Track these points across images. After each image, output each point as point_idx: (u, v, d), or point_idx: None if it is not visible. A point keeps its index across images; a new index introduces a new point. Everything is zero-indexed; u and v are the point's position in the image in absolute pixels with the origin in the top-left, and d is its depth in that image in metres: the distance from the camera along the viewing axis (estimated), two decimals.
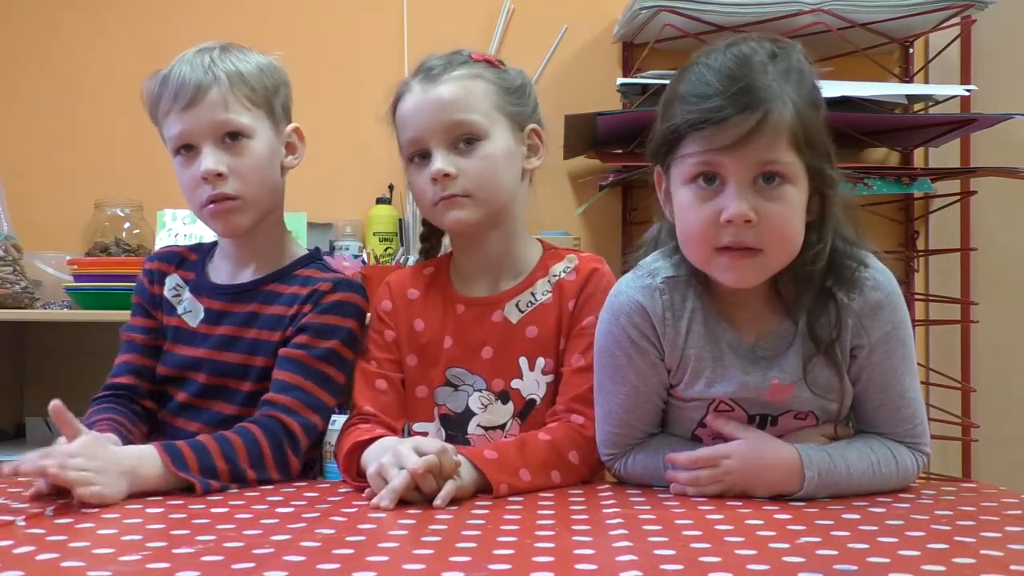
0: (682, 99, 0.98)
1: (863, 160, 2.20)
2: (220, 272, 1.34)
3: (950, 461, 2.17)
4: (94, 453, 0.98)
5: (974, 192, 2.14)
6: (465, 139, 1.19)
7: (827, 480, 0.99)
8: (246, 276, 1.32)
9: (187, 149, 1.23)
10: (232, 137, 1.23)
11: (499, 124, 1.21)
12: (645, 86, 1.94)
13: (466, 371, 1.24)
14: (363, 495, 1.02)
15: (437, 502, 0.95)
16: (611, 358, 1.08)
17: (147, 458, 1.04)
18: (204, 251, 1.38)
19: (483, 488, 1.03)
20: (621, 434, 1.10)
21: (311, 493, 1.06)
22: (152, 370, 1.31)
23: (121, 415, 1.23)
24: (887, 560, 0.73)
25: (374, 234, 2.11)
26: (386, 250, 2.09)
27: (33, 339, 2.26)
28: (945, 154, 2.20)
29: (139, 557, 0.75)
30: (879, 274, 1.04)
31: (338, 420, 1.23)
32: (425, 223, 1.34)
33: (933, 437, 1.10)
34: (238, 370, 1.26)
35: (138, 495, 1.01)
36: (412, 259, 1.98)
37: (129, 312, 1.37)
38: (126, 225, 2.11)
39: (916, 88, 2.08)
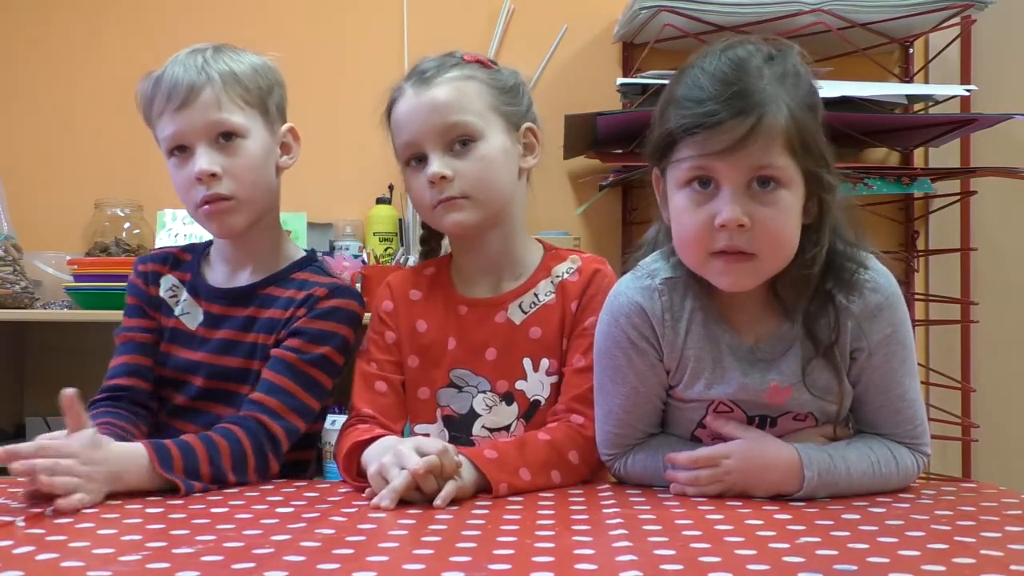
0: (677, 103, 0.98)
1: (863, 160, 2.21)
2: (217, 274, 1.33)
3: (950, 461, 2.17)
4: (89, 456, 0.97)
5: (974, 192, 2.14)
6: (461, 141, 1.19)
7: (827, 480, 0.99)
8: (243, 278, 1.31)
9: (181, 150, 1.23)
10: (226, 137, 1.22)
11: (494, 124, 1.21)
12: (645, 86, 1.94)
13: (470, 372, 1.24)
14: (363, 495, 1.02)
15: (437, 502, 0.95)
16: (610, 359, 1.08)
17: (135, 459, 1.03)
18: (198, 251, 1.37)
19: (483, 488, 1.02)
20: (621, 434, 1.10)
21: (311, 493, 1.06)
22: (152, 370, 1.30)
23: (121, 419, 1.22)
24: (887, 560, 0.73)
25: (374, 234, 2.11)
26: (386, 250, 2.10)
27: (33, 339, 2.26)
28: (945, 154, 2.20)
29: (139, 557, 0.75)
30: (879, 276, 1.04)
31: (338, 420, 1.23)
32: (424, 226, 1.34)
33: (933, 437, 1.10)
34: (237, 374, 1.26)
35: (123, 494, 1.01)
36: (412, 259, 1.98)
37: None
38: (126, 225, 2.11)
39: (916, 88, 2.08)
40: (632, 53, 2.20)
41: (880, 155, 2.25)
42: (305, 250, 1.38)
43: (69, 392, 0.98)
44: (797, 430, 1.06)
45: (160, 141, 1.25)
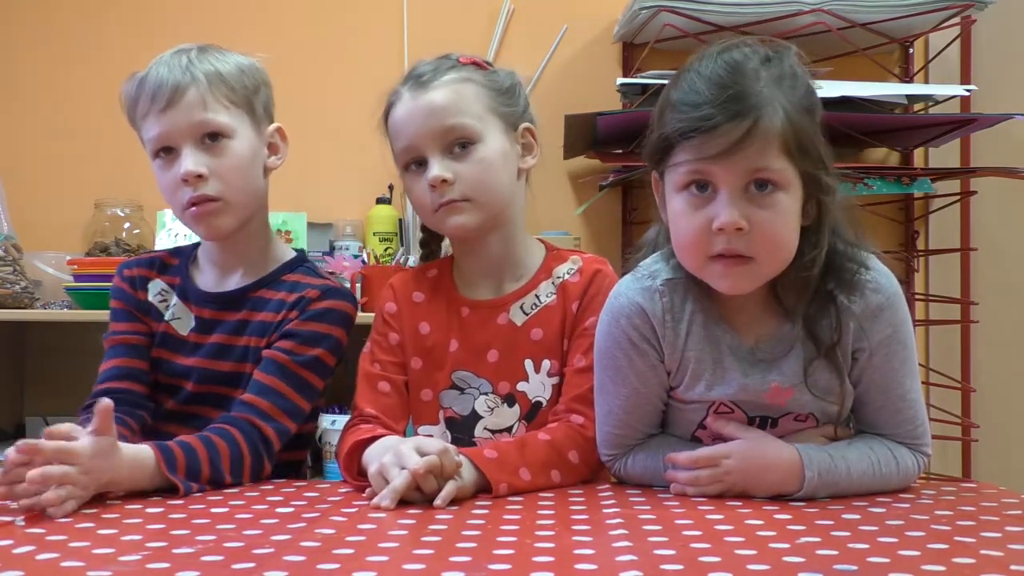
0: (673, 107, 0.98)
1: (863, 160, 2.21)
2: (206, 277, 1.32)
3: (950, 461, 2.17)
4: (91, 466, 0.94)
5: (974, 192, 2.14)
6: (459, 143, 1.19)
7: (827, 480, 0.99)
8: (233, 282, 1.30)
9: (166, 151, 1.21)
10: (212, 138, 1.20)
11: (492, 126, 1.21)
12: (645, 86, 1.94)
13: (472, 374, 1.24)
14: (364, 495, 1.02)
15: (437, 502, 0.95)
16: (611, 359, 1.08)
17: (142, 464, 1.01)
18: (186, 255, 1.35)
19: (483, 488, 1.03)
20: (621, 435, 1.10)
21: (311, 493, 1.06)
22: (146, 373, 1.29)
23: (116, 422, 1.21)
24: (887, 560, 0.73)
25: (374, 234, 2.11)
26: (386, 250, 2.09)
27: (33, 339, 2.26)
28: (945, 154, 2.20)
29: (139, 557, 0.75)
30: (880, 276, 1.04)
31: (338, 420, 1.23)
32: (424, 228, 1.33)
33: (933, 437, 1.10)
34: (229, 378, 1.25)
35: (123, 494, 1.00)
36: (412, 259, 1.98)
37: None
38: (126, 225, 2.11)
39: (916, 88, 2.08)
40: (632, 53, 2.20)
41: (880, 155, 2.25)
42: (295, 250, 1.37)
43: (107, 402, 0.96)
44: (798, 431, 1.06)
45: (145, 143, 1.23)
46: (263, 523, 0.88)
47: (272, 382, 1.19)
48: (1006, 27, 2.14)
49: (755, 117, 0.93)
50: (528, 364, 1.22)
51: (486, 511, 0.94)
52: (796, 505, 0.96)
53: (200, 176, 1.19)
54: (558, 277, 1.25)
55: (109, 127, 2.23)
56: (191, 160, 1.19)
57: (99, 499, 0.98)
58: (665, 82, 1.06)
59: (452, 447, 1.00)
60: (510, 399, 1.23)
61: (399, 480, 0.96)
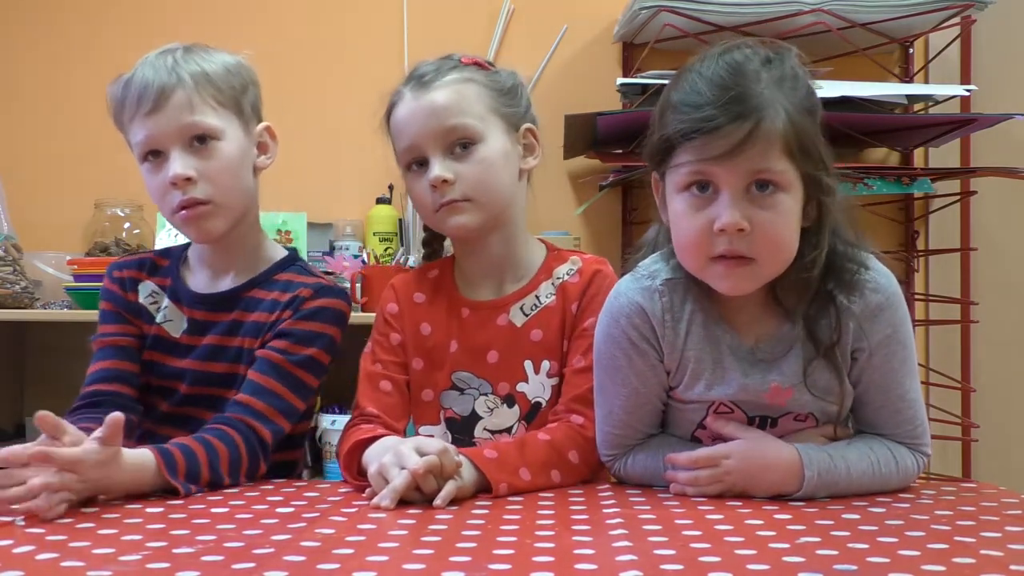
0: (675, 108, 0.98)
1: (863, 160, 2.21)
2: (198, 278, 1.31)
3: (950, 461, 2.17)
4: (89, 475, 0.94)
5: (974, 192, 2.14)
6: (461, 144, 1.19)
7: (827, 480, 0.99)
8: (226, 283, 1.29)
9: (154, 155, 1.20)
10: (200, 140, 1.19)
11: (493, 126, 1.21)
12: (645, 86, 1.94)
13: (472, 375, 1.24)
14: (364, 495, 1.02)
15: (437, 502, 0.95)
16: (611, 359, 1.08)
17: (143, 470, 1.00)
18: (176, 256, 1.34)
19: (483, 488, 1.03)
20: (621, 435, 1.10)
21: (311, 493, 1.06)
22: (135, 376, 1.27)
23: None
24: (887, 560, 0.73)
25: (374, 234, 2.11)
26: (386, 250, 2.10)
27: (33, 339, 2.26)
28: (945, 154, 2.20)
29: (139, 557, 0.75)
30: (880, 276, 1.04)
31: (338, 420, 1.23)
32: (427, 228, 1.33)
33: (933, 437, 1.11)
34: (223, 379, 1.24)
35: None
36: (412, 259, 1.98)
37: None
38: (126, 225, 2.11)
39: (916, 88, 2.08)
40: (632, 53, 2.20)
41: (880, 155, 2.25)
42: (287, 249, 1.35)
43: (118, 415, 0.95)
44: (798, 430, 1.06)
45: (132, 146, 1.22)
46: (263, 523, 0.88)
47: (267, 382, 1.18)
48: (1006, 27, 2.14)
49: (757, 118, 0.93)
50: (528, 365, 1.22)
51: (486, 511, 0.94)
52: (796, 505, 0.96)
53: (189, 179, 1.18)
54: (558, 278, 1.25)
55: (109, 127, 2.22)
56: (179, 163, 1.18)
57: (99, 499, 0.98)
58: (665, 82, 1.06)
59: (452, 447, 1.00)
60: (510, 400, 1.23)
61: (399, 480, 0.96)
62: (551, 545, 0.78)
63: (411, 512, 0.93)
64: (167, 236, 2.03)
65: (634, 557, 0.74)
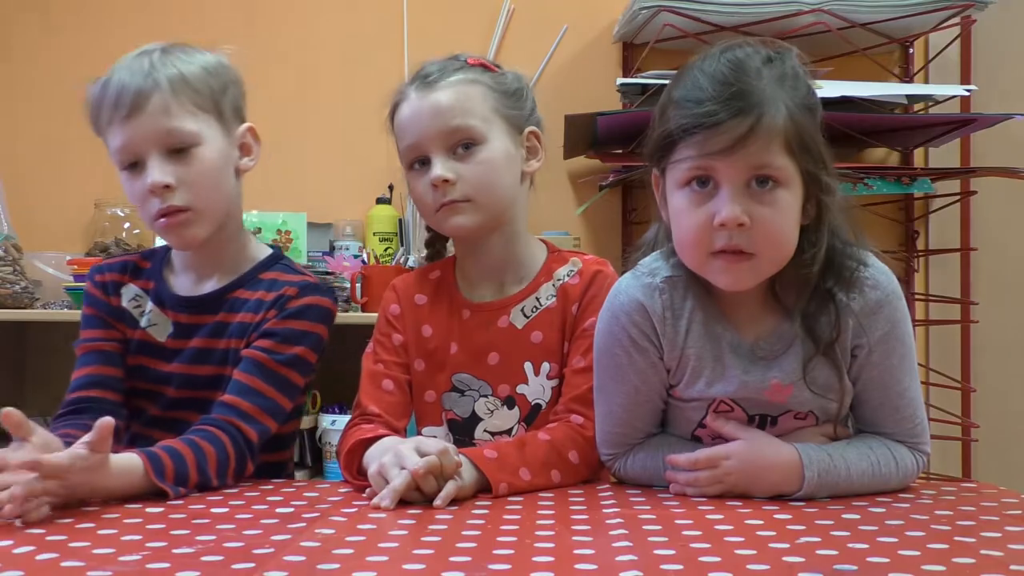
0: (676, 104, 0.98)
1: (863, 160, 2.21)
2: (182, 281, 1.29)
3: (950, 461, 2.17)
4: (81, 481, 0.93)
5: (974, 192, 2.14)
6: (463, 144, 1.19)
7: (827, 480, 0.99)
8: (210, 285, 1.27)
9: (133, 163, 1.18)
10: (178, 146, 1.17)
11: (497, 128, 1.21)
12: (645, 86, 1.94)
13: (472, 377, 1.24)
14: (364, 495, 1.02)
15: (437, 502, 0.95)
16: (611, 358, 1.08)
17: (129, 474, 0.99)
18: (159, 258, 1.31)
19: (483, 488, 1.03)
20: (621, 434, 1.10)
21: (311, 493, 1.06)
22: (120, 381, 1.26)
23: (87, 431, 1.12)
24: (887, 560, 0.73)
25: (374, 234, 2.11)
26: (386, 250, 2.10)
27: (33, 339, 2.26)
28: (945, 154, 2.20)
29: (139, 557, 0.75)
30: (879, 274, 1.04)
31: (339, 420, 1.23)
32: (429, 228, 1.33)
33: (933, 437, 1.11)
34: (211, 381, 1.23)
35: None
36: (412, 259, 1.98)
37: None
38: (126, 225, 2.11)
39: (916, 88, 2.08)
40: (632, 53, 2.20)
41: (880, 155, 2.25)
42: (270, 247, 1.33)
43: (108, 420, 0.94)
44: (798, 429, 1.06)
45: (111, 152, 1.20)
46: (263, 523, 0.88)
47: (252, 382, 1.17)
48: (1006, 27, 2.14)
49: (758, 114, 0.94)
50: (528, 367, 1.22)
51: (486, 511, 0.94)
52: (796, 505, 0.96)
53: (168, 187, 1.16)
54: (558, 279, 1.25)
55: None
56: (158, 171, 1.15)
57: (99, 500, 0.98)
58: (665, 82, 1.06)
59: (452, 447, 1.00)
60: (510, 401, 1.23)
61: (399, 480, 0.96)
62: (551, 545, 0.78)
63: (411, 512, 0.93)
64: None
65: (634, 557, 0.74)
